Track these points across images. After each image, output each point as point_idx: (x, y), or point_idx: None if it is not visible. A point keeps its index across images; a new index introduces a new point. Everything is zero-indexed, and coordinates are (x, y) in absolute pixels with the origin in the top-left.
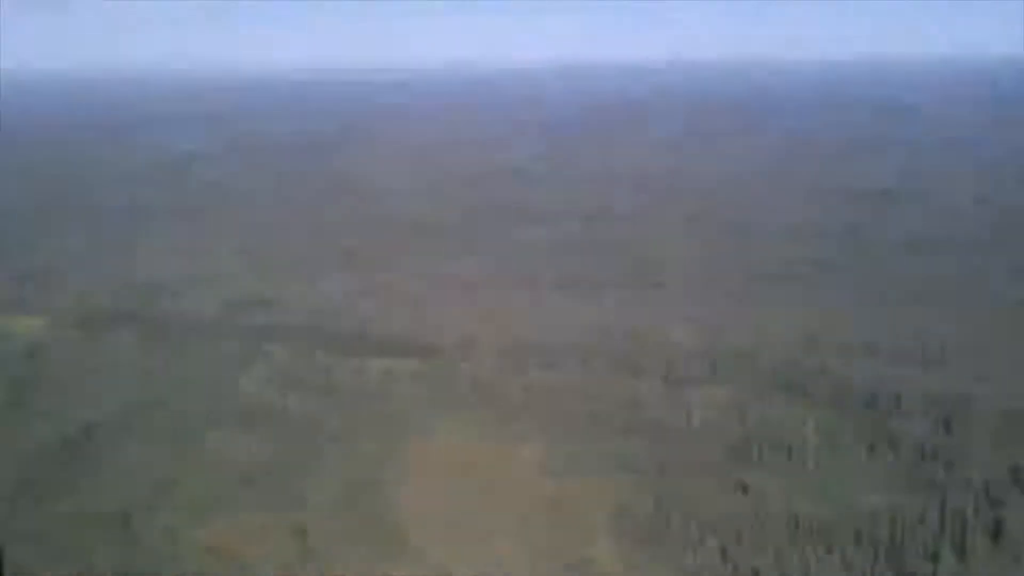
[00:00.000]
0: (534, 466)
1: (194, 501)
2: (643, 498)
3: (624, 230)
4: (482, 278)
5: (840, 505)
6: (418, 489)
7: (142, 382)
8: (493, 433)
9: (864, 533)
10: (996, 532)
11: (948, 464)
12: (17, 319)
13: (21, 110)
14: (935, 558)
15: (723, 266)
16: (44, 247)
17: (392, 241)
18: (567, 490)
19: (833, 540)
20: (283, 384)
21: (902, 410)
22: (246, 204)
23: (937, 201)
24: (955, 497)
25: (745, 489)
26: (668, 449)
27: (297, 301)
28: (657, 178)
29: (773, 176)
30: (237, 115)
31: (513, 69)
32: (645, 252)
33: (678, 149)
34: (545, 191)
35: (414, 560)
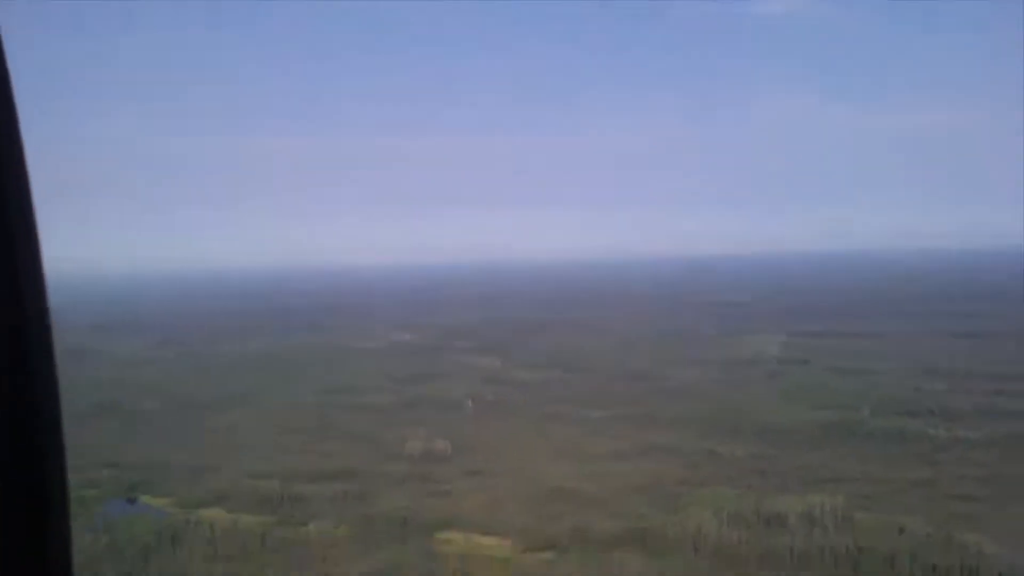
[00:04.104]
0: None
1: None
2: None
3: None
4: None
5: None
6: None
7: None
8: None
9: None
10: None
11: None
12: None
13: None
14: None
15: None
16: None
17: (794, 450)
18: None
19: None
20: None
21: None
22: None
23: None
24: None
25: None
26: None
27: (800, 518)
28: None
29: None
30: (398, 303)
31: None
32: None
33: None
34: (855, 382)
35: None
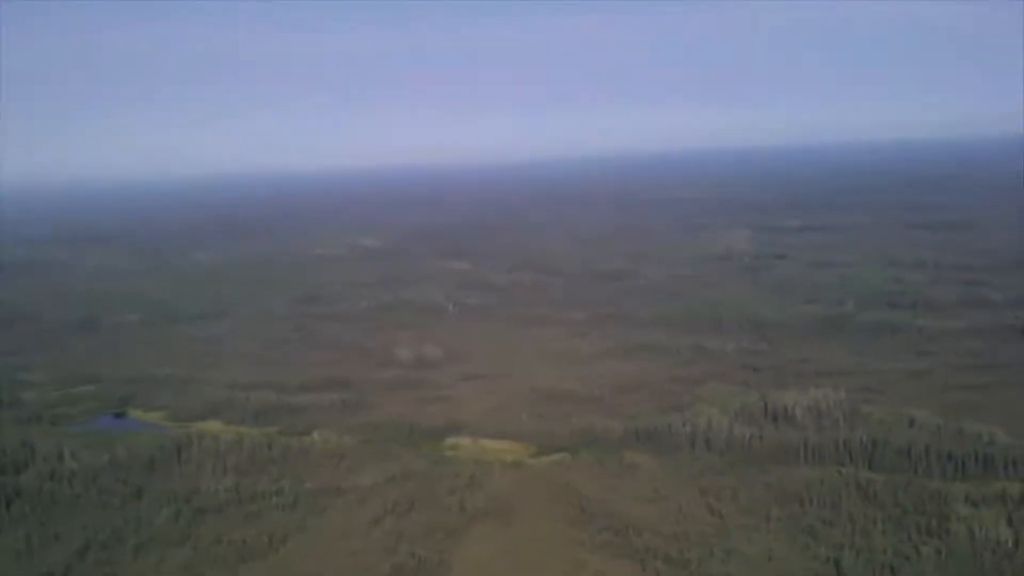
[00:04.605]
0: None
1: None
2: None
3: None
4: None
5: None
6: None
7: None
8: None
9: None
10: None
11: None
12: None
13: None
14: None
15: None
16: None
17: (784, 344)
18: None
19: None
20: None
21: None
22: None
23: None
24: None
25: None
26: None
27: (807, 412)
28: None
29: None
30: (378, 206)
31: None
32: None
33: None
34: (835, 276)
35: None
